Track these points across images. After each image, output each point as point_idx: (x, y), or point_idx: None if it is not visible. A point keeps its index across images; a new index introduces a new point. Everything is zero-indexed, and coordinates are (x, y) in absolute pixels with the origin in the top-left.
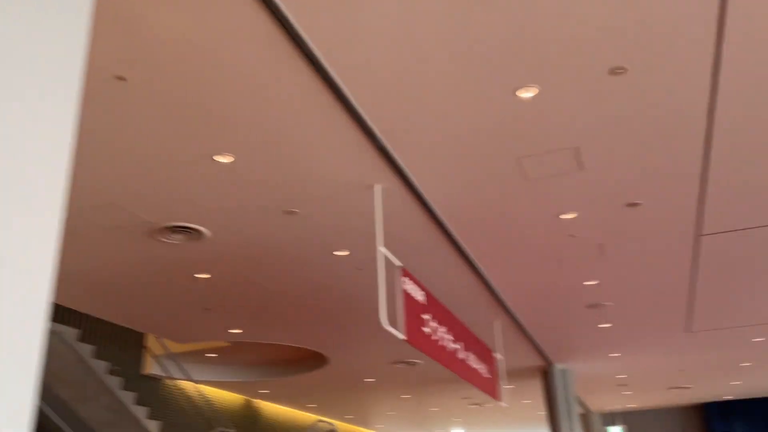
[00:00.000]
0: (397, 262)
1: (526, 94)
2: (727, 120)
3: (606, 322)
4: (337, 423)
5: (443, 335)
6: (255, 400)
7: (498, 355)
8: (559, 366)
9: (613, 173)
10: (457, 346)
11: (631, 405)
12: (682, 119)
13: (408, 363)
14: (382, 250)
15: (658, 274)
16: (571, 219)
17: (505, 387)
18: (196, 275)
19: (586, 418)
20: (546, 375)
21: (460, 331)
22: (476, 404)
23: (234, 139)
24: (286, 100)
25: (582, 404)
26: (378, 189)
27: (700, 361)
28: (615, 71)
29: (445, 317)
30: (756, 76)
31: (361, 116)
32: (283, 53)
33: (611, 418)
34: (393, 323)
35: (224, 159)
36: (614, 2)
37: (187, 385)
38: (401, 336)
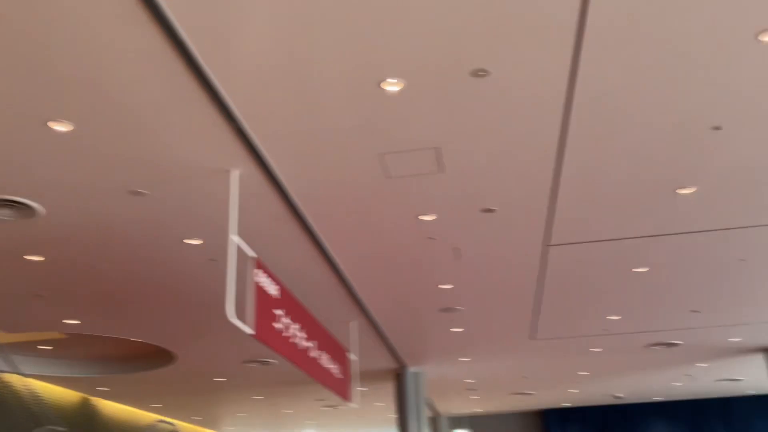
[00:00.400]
0: (251, 253)
1: (392, 88)
2: (579, 132)
3: (458, 327)
4: (183, 424)
5: (296, 333)
6: (93, 398)
7: (352, 356)
8: (412, 369)
9: (471, 177)
10: (309, 344)
11: (478, 409)
12: (539, 128)
13: (261, 362)
14: (234, 238)
15: (508, 281)
16: (430, 221)
17: (359, 389)
18: (27, 257)
19: (434, 421)
20: (399, 378)
21: (314, 330)
22: (330, 406)
23: (73, 105)
24: (134, 65)
25: (432, 407)
26: (235, 174)
27: (543, 368)
28: (477, 73)
29: (299, 314)
30: (609, 88)
31: (220, 94)
32: (129, 7)
33: (458, 422)
34: (242, 317)
35: (61, 127)
36: (478, 2)
37: (14, 379)
38: (249, 331)
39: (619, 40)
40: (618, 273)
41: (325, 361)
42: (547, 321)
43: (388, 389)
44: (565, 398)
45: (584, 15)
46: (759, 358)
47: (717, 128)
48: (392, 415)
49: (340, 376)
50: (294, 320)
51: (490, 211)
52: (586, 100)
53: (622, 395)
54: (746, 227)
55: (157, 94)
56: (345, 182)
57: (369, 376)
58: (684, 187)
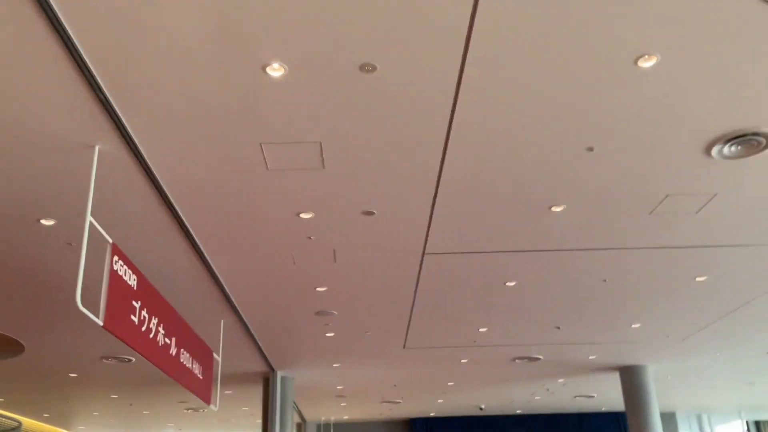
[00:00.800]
0: (109, 238)
1: (275, 72)
2: (459, 143)
3: (331, 331)
4: (29, 422)
5: (155, 327)
6: None
7: (217, 357)
8: (281, 373)
9: (352, 176)
10: (169, 341)
11: (345, 416)
12: (424, 132)
13: (119, 359)
14: (90, 220)
15: (385, 288)
16: (309, 219)
17: (224, 392)
18: None
19: (301, 427)
20: (267, 382)
21: (177, 326)
22: (192, 409)
23: None
24: None
25: (299, 413)
26: (96, 150)
27: (413, 377)
28: (365, 68)
29: (160, 308)
30: (490, 103)
31: (84, 61)
32: None
33: (326, 429)
34: (95, 307)
35: None
36: None
37: None
38: (97, 320)
39: (502, 59)
40: (489, 286)
41: (187, 360)
42: (420, 330)
43: (256, 393)
44: (432, 408)
45: (471, 29)
46: (614, 376)
47: (590, 149)
48: (258, 421)
49: (201, 377)
50: (153, 314)
51: (370, 213)
52: (468, 112)
53: (485, 406)
54: (610, 249)
55: (10, 51)
56: (221, 170)
57: (236, 379)
58: (557, 205)
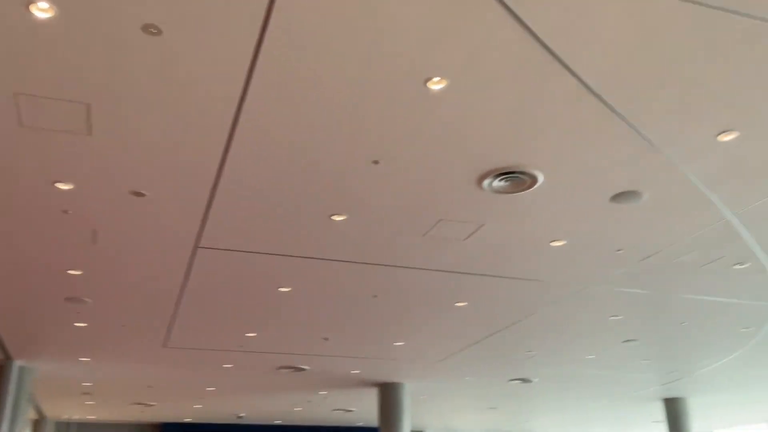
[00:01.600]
0: None
1: (42, 14)
2: (244, 137)
3: (83, 321)
4: None
5: None
6: None
7: None
8: (18, 362)
9: (124, 149)
10: None
11: (91, 416)
12: (209, 115)
13: None
14: None
15: (148, 279)
16: (67, 191)
17: None
18: None
19: (39, 424)
20: (2, 371)
21: None
22: None
23: None
24: None
25: (37, 409)
26: None
27: (171, 379)
28: (149, 29)
29: None
30: (276, 107)
31: None
32: None
33: (66, 428)
34: None
35: None
36: None
37: None
38: None
39: (298, 55)
40: (263, 289)
41: None
42: (184, 329)
43: None
44: (188, 413)
45: (269, 17)
46: (373, 391)
47: (376, 162)
48: None
49: None
50: None
51: (140, 194)
52: (258, 101)
53: (244, 415)
54: (384, 265)
55: None
56: None
57: None
58: (339, 215)
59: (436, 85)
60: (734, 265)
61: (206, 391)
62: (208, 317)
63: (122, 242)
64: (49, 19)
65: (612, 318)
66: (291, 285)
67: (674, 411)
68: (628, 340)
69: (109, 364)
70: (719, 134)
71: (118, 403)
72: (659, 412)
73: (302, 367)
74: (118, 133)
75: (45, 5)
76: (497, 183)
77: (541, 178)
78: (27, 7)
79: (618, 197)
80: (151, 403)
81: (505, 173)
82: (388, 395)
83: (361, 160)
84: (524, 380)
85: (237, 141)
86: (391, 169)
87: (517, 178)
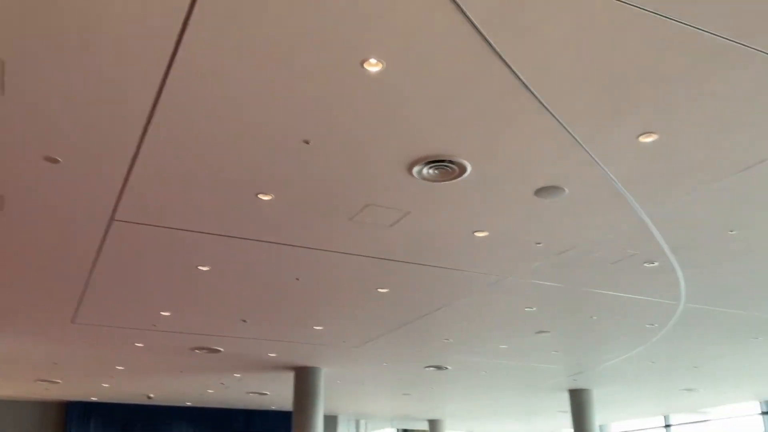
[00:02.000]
0: None
1: None
2: (169, 106)
3: None
4: None
5: None
6: None
7: None
8: None
9: (39, 111)
10: None
11: None
12: (133, 80)
13: None
14: None
15: (59, 249)
16: None
17: None
18: None
19: None
20: None
21: None
22: None
23: None
24: None
25: None
26: None
27: (78, 356)
28: None
29: None
30: (205, 80)
31: None
32: None
33: None
34: None
35: None
36: None
37: None
38: None
39: (229, 25)
40: (181, 266)
41: None
42: (95, 304)
43: None
44: (95, 392)
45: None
46: (288, 375)
47: (307, 142)
48: None
49: None
50: None
51: (54, 161)
52: (185, 69)
53: (153, 396)
54: (308, 248)
55: None
56: None
57: None
58: (265, 194)
59: (373, 67)
60: (644, 263)
61: (115, 369)
62: (120, 294)
63: (32, 210)
64: None
65: (527, 309)
66: (210, 264)
67: (579, 401)
68: (540, 332)
69: (11, 338)
70: (640, 135)
71: (20, 379)
72: (565, 403)
73: (217, 348)
74: (34, 94)
75: None
76: (427, 171)
77: (469, 168)
78: None
79: (541, 191)
80: (57, 381)
81: (435, 161)
82: (304, 379)
83: (292, 139)
84: (439, 367)
85: (161, 111)
86: (322, 149)
87: (446, 167)
